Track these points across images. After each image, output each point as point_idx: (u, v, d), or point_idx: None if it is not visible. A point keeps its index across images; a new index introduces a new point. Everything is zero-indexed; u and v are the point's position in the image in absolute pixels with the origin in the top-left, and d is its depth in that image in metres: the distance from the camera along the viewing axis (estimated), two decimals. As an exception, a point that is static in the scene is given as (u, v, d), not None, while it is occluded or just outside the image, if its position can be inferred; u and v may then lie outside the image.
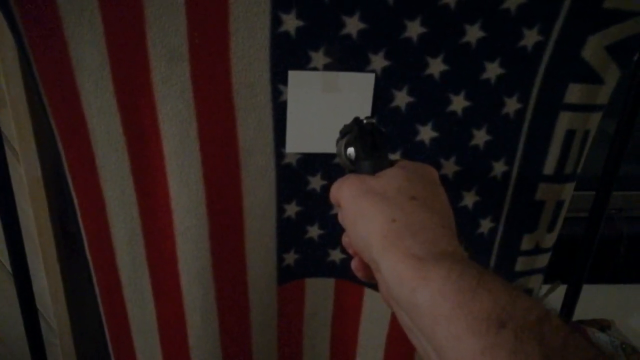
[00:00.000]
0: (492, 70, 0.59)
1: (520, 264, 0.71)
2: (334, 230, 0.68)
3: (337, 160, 0.50)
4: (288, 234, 0.67)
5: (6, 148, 0.60)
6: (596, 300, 1.13)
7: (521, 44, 0.58)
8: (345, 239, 0.46)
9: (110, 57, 0.54)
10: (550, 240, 0.71)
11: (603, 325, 1.07)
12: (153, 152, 0.59)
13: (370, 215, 0.38)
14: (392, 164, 0.43)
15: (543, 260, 0.73)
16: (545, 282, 0.77)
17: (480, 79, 0.59)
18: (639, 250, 1.32)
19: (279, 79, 0.58)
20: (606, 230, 0.72)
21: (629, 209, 1.34)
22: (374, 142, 0.45)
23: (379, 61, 0.57)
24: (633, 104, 0.63)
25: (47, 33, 0.52)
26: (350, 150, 0.46)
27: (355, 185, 0.41)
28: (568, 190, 0.68)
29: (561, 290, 1.16)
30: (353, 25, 0.55)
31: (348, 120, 0.49)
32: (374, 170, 0.42)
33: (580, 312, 0.76)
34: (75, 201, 0.62)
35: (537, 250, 0.71)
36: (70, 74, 0.55)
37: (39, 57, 0.53)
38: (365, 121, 0.47)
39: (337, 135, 0.49)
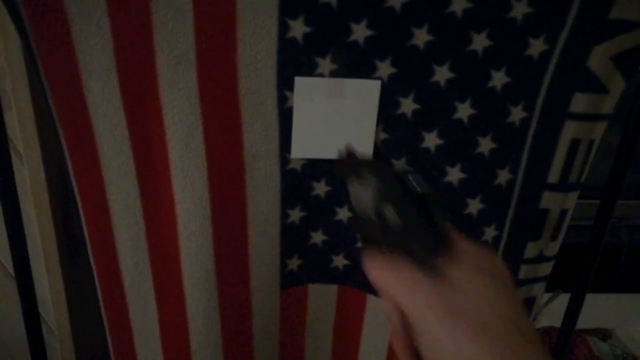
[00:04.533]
0: (498, 78, 0.59)
1: (524, 272, 0.71)
2: (338, 237, 0.68)
3: (348, 206, 0.40)
4: (292, 239, 0.67)
5: (11, 151, 0.59)
6: (596, 309, 1.12)
7: (527, 53, 0.58)
8: (397, 329, 0.36)
9: (117, 61, 0.54)
10: (553, 248, 0.71)
11: (604, 335, 1.07)
12: (158, 157, 0.59)
13: (473, 355, 0.31)
14: (449, 243, 0.34)
15: (546, 268, 0.73)
16: (546, 290, 0.77)
17: (486, 87, 0.59)
18: (639, 259, 1.32)
19: (285, 85, 0.57)
20: (607, 239, 0.72)
21: (629, 217, 1.34)
22: (427, 210, 0.34)
23: (385, 68, 0.57)
24: (638, 113, 0.63)
25: (55, 36, 0.52)
26: (390, 213, 0.34)
27: (432, 295, 0.32)
28: (572, 199, 0.68)
29: (562, 298, 1.17)
30: (360, 32, 0.55)
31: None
32: (433, 255, 0.33)
33: (580, 320, 0.76)
34: (80, 205, 0.61)
35: (541, 258, 0.71)
36: (77, 77, 0.54)
37: (46, 61, 0.53)
38: (411, 177, 0.35)
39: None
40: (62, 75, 0.54)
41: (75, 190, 0.60)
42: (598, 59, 0.59)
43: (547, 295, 1.15)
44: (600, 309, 1.15)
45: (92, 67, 0.54)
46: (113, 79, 0.55)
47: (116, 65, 0.54)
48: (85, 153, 0.58)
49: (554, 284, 0.78)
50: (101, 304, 0.67)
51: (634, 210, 1.35)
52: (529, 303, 0.74)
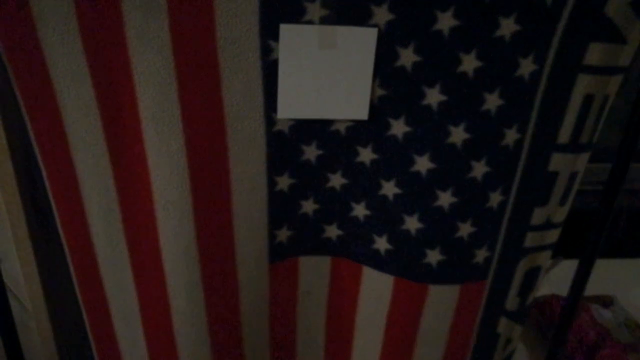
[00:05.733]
0: (507, 26, 0.54)
1: (530, 240, 0.67)
2: (330, 205, 0.64)
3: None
4: (280, 208, 0.63)
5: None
6: (596, 275, 1.11)
7: (540, -3, 0.52)
8: None
9: (76, 8, 0.49)
10: (561, 214, 0.67)
11: (605, 302, 1.05)
12: (128, 117, 0.55)
13: None
14: None
15: (553, 236, 0.69)
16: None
17: (494, 36, 0.54)
18: (638, 224, 1.31)
19: (269, 34, 0.52)
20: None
21: (628, 182, 1.32)
22: None
23: (382, 14, 0.52)
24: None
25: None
26: None
27: None
28: (582, 161, 0.64)
29: (564, 265, 1.14)
30: (353, -28, 0.49)
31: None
32: None
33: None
34: (44, 173, 0.57)
35: (548, 225, 0.67)
36: (31, 27, 0.49)
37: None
38: None
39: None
40: (14, 23, 0.49)
41: (39, 157, 0.56)
42: (616, 5, 0.54)
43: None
44: (600, 275, 1.14)
45: (47, 15, 0.49)
46: (73, 29, 0.50)
47: (75, 12, 0.49)
48: (47, 115, 0.54)
49: (554, 250, 0.75)
50: (75, 281, 0.63)
51: (633, 174, 1.32)
52: (534, 273, 0.71)
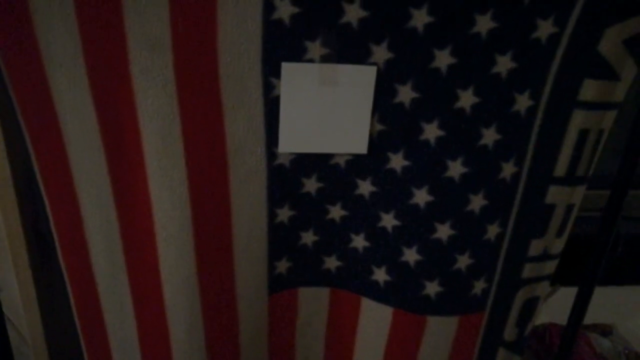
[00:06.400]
0: (503, 64, 0.55)
1: (528, 271, 0.68)
2: (330, 237, 0.65)
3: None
4: (280, 240, 0.63)
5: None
6: (595, 303, 1.10)
7: (535, 36, 0.54)
8: None
9: (84, 47, 0.50)
10: (559, 245, 0.68)
11: (604, 330, 1.04)
12: (132, 152, 0.55)
13: None
14: None
15: (551, 266, 0.69)
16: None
17: (491, 73, 0.55)
18: (637, 251, 1.30)
19: (271, 72, 0.53)
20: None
21: (625, 208, 1.32)
22: None
23: (381, 53, 0.53)
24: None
25: (14, 21, 0.47)
26: None
27: None
28: (579, 194, 0.65)
29: (562, 292, 1.14)
30: (353, 12, 0.51)
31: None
32: None
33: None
34: (48, 205, 0.57)
35: (546, 256, 0.68)
36: (39, 66, 0.50)
37: (6, 49, 0.49)
38: None
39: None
40: (23, 64, 0.50)
41: (42, 189, 0.56)
42: (610, 43, 0.55)
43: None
44: (598, 303, 1.13)
45: (55, 54, 0.50)
46: (79, 67, 0.51)
47: (83, 51, 0.50)
48: (52, 149, 0.54)
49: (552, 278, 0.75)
50: (74, 311, 0.63)
51: (630, 201, 1.33)
52: (532, 303, 0.71)
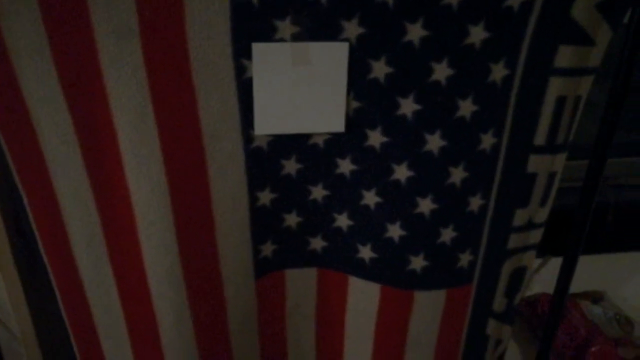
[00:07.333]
0: (476, 34, 0.54)
1: (513, 241, 0.68)
2: (314, 217, 0.64)
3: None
4: (263, 223, 0.63)
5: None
6: (585, 271, 1.11)
7: (507, 4, 0.53)
8: None
9: (49, 38, 0.49)
10: (543, 214, 0.68)
11: (595, 297, 1.05)
12: (107, 142, 0.54)
13: None
14: None
15: (536, 235, 0.69)
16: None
17: (464, 44, 0.54)
18: (626, 219, 1.31)
19: (242, 53, 0.52)
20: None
21: (615, 176, 1.33)
22: None
23: (352, 28, 0.52)
24: (627, 67, 0.59)
25: None
26: None
27: None
28: (560, 161, 0.65)
29: (552, 263, 1.15)
30: (322, -12, 0.50)
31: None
32: None
33: (570, 284, 0.74)
34: (25, 200, 0.56)
35: (530, 225, 0.68)
36: (5, 59, 0.49)
37: None
38: None
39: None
40: None
41: (20, 186, 0.55)
42: (582, 8, 0.55)
43: (536, 262, 1.14)
44: (589, 271, 1.14)
45: (21, 46, 0.49)
46: (47, 59, 0.50)
47: (49, 43, 0.49)
48: (26, 145, 0.54)
49: (542, 249, 0.76)
50: (61, 305, 0.63)
51: (619, 169, 1.34)
52: (520, 273, 0.71)
